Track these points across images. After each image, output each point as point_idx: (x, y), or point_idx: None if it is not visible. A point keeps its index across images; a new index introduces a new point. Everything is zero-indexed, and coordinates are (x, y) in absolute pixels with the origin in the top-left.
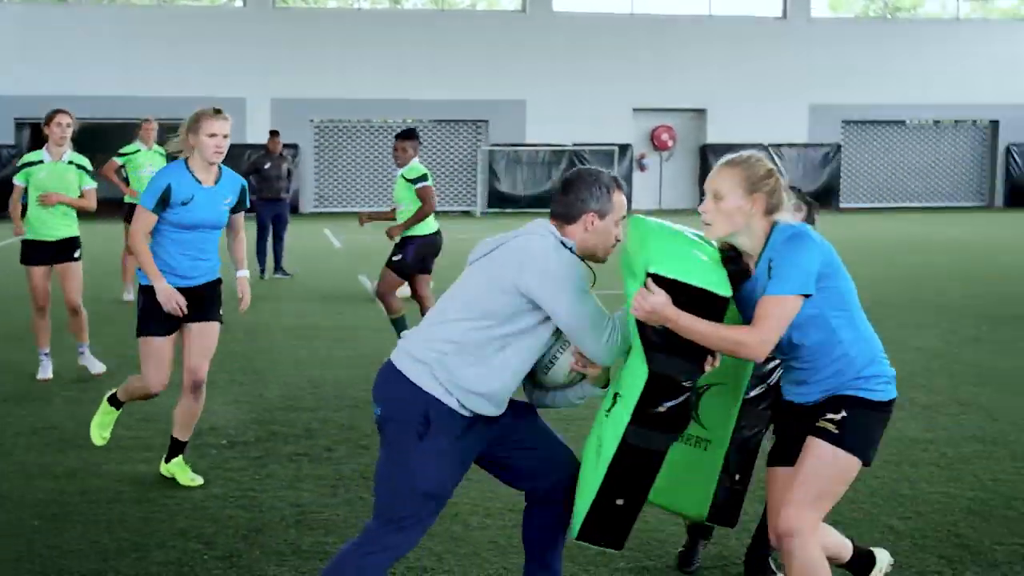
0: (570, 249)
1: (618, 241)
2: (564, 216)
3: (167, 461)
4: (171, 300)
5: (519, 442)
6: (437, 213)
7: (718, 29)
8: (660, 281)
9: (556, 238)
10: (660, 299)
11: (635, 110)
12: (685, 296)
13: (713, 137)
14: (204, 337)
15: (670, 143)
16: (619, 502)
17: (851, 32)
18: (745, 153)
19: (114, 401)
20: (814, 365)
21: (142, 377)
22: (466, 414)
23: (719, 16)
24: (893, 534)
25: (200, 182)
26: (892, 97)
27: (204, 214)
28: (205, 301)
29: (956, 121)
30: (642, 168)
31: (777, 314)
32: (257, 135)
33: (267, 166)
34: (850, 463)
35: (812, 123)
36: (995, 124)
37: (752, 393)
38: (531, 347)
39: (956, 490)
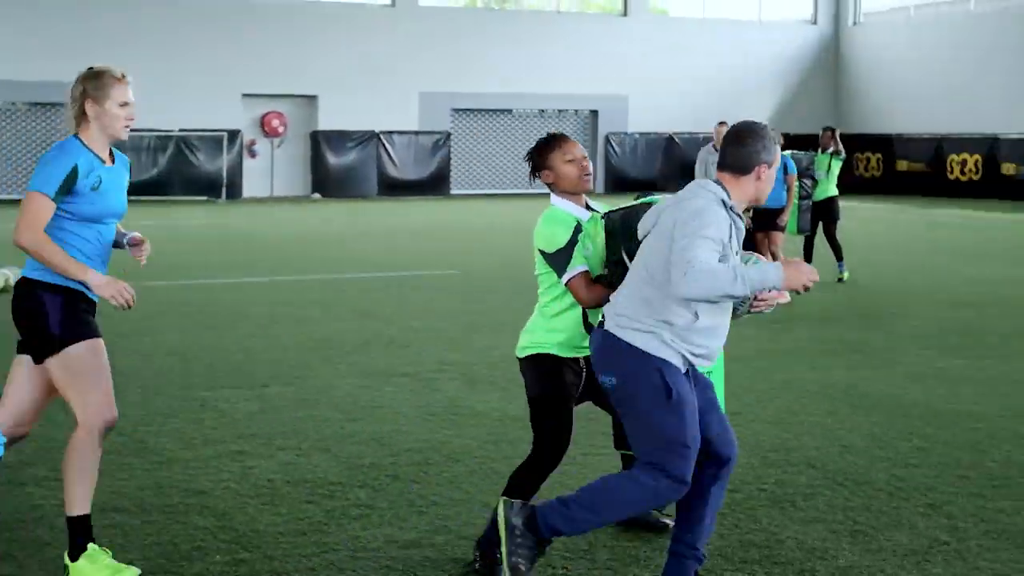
0: (730, 208)
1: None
2: (741, 168)
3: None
4: (122, 292)
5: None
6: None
7: (328, 15)
8: None
9: (715, 196)
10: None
11: (244, 96)
12: None
13: (324, 124)
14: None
15: (281, 129)
16: None
17: (460, 21)
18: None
19: (84, 529)
20: None
21: (91, 412)
22: (686, 369)
23: (328, 2)
24: (487, 510)
25: (103, 161)
26: (500, 86)
27: (113, 201)
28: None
29: (560, 110)
30: (252, 155)
31: None
32: None
33: None
34: None
35: (422, 111)
36: (595, 114)
37: None
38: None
39: None
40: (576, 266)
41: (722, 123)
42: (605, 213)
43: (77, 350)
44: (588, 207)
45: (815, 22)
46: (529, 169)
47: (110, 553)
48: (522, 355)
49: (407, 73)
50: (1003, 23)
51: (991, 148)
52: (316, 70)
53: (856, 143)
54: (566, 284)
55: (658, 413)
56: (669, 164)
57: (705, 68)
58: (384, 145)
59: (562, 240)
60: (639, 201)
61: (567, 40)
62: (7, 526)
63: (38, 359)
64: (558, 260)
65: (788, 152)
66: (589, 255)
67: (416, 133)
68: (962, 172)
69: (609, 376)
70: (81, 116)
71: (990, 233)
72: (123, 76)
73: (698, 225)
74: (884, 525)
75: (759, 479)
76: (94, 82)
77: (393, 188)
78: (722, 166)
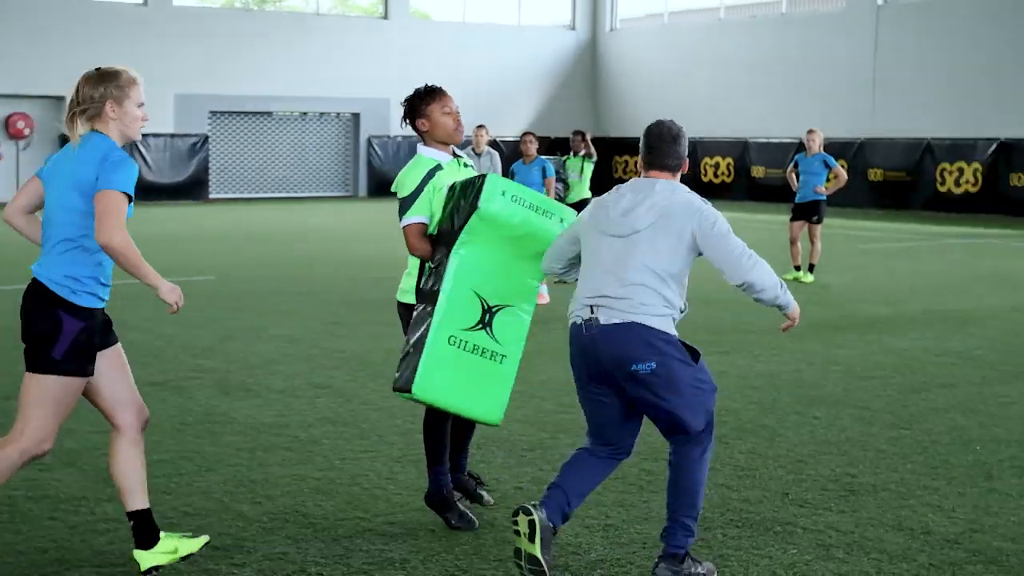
0: None
1: None
2: (677, 166)
3: (148, 546)
4: (180, 298)
5: None
6: None
7: (77, 14)
8: None
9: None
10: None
11: None
12: None
13: None
14: (125, 361)
15: (26, 131)
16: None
17: (216, 21)
18: None
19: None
20: None
21: (36, 438)
22: None
23: (78, 1)
24: (243, 520)
25: None
26: (259, 88)
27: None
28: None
29: (321, 113)
30: None
31: None
32: None
33: None
34: None
35: (178, 113)
36: (357, 116)
37: None
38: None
39: (306, 471)
40: (414, 215)
41: (481, 127)
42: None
43: (66, 382)
44: (455, 155)
45: (574, 28)
46: (403, 115)
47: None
48: (400, 298)
49: (161, 74)
50: (752, 32)
51: (743, 152)
52: (63, 70)
53: (615, 147)
54: (402, 228)
55: (696, 374)
56: None
57: (466, 72)
58: (138, 147)
59: (412, 186)
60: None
61: (328, 42)
62: None
63: (28, 368)
64: (404, 204)
65: (545, 157)
66: (433, 211)
67: (172, 136)
68: (715, 175)
69: (647, 363)
70: (97, 117)
71: (741, 233)
72: (137, 77)
73: (724, 225)
74: (635, 518)
75: (516, 477)
76: (115, 82)
77: (148, 192)
78: (662, 166)
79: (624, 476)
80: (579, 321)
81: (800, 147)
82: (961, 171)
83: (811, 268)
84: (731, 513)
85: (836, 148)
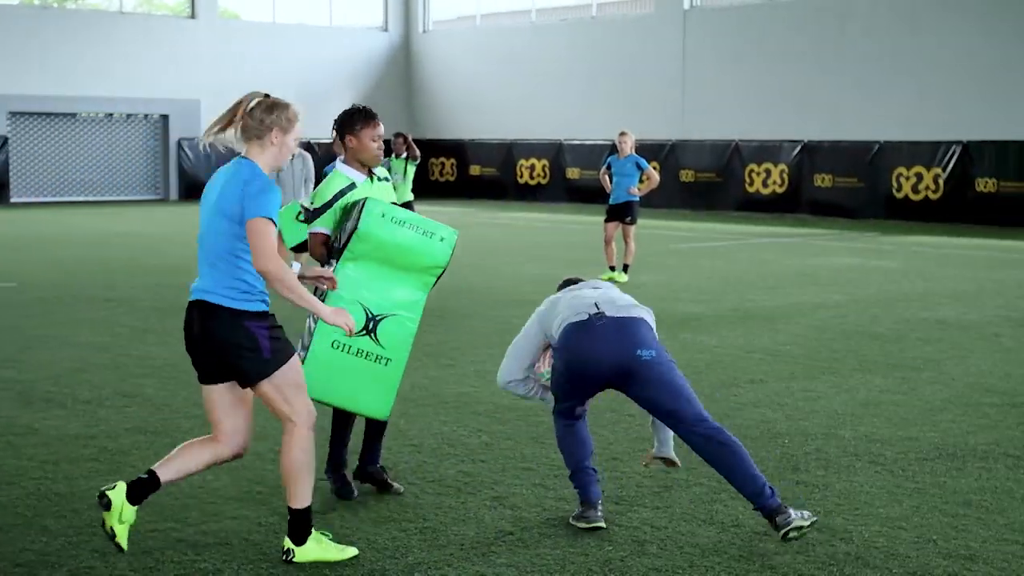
0: None
1: None
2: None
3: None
4: (348, 321)
5: None
6: None
7: None
8: None
9: None
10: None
11: None
12: None
13: None
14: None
15: None
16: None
17: (14, 19)
18: None
19: (308, 517)
20: None
21: (305, 415)
22: None
23: None
24: (47, 534)
25: None
26: (63, 88)
27: None
28: None
29: (128, 114)
30: None
31: None
32: None
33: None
34: None
35: None
36: (166, 118)
37: None
38: None
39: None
40: (319, 227)
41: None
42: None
43: (285, 369)
44: (371, 173)
45: (386, 29)
46: (334, 126)
47: (330, 535)
48: None
49: None
50: (563, 34)
51: (557, 153)
52: None
53: (431, 149)
54: (309, 233)
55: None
56: None
57: (279, 73)
58: None
59: (324, 199)
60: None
61: (133, 42)
62: None
63: (247, 384)
64: (313, 215)
65: None
66: (335, 222)
67: None
68: (531, 176)
69: (650, 350)
70: (257, 140)
71: (554, 234)
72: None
73: None
74: (452, 520)
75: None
76: (285, 114)
77: None
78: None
79: (441, 478)
80: (585, 317)
81: (613, 149)
82: (768, 172)
83: (626, 268)
84: (547, 512)
85: (648, 150)
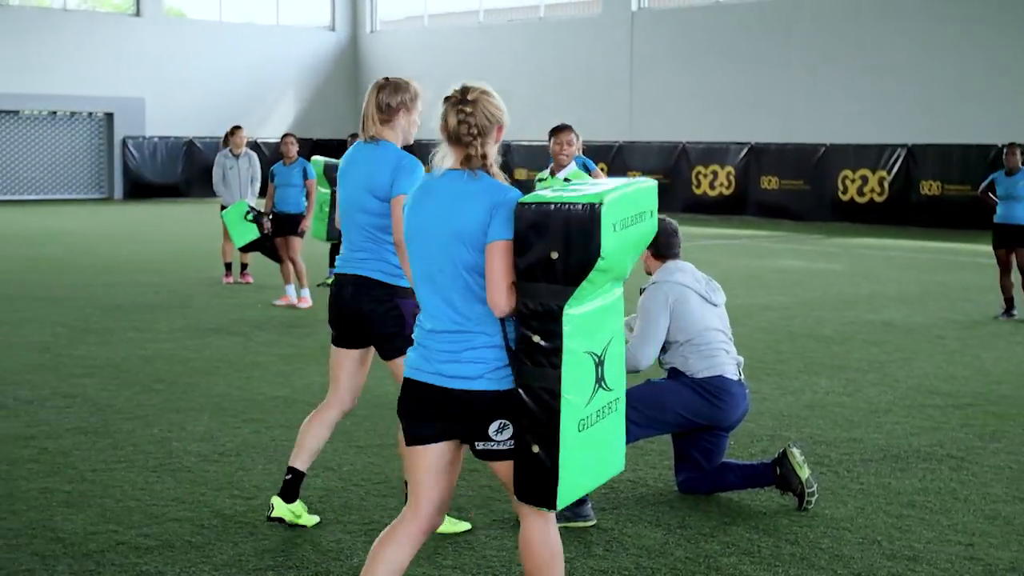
0: None
1: None
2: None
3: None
4: None
5: None
6: None
7: None
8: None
9: None
10: None
11: None
12: None
13: None
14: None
15: None
16: (535, 450)
17: None
18: None
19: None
20: None
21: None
22: None
23: None
24: None
25: None
26: (5, 86)
27: None
28: None
29: (73, 113)
30: None
31: None
32: None
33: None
34: None
35: None
36: (110, 117)
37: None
38: None
39: (54, 484)
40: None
41: (238, 127)
42: None
43: None
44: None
45: (333, 28)
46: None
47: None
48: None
49: None
50: (511, 35)
51: (505, 154)
52: None
53: None
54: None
55: None
56: (191, 169)
57: (225, 72)
58: None
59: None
60: None
61: (77, 39)
62: None
63: (389, 357)
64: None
65: (318, 158)
66: None
67: None
68: None
69: None
70: (388, 123)
71: None
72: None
73: None
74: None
75: (277, 484)
76: (413, 92)
77: None
78: (676, 255)
79: (387, 479)
80: (736, 377)
81: None
82: (715, 174)
83: None
84: (493, 513)
85: (596, 151)
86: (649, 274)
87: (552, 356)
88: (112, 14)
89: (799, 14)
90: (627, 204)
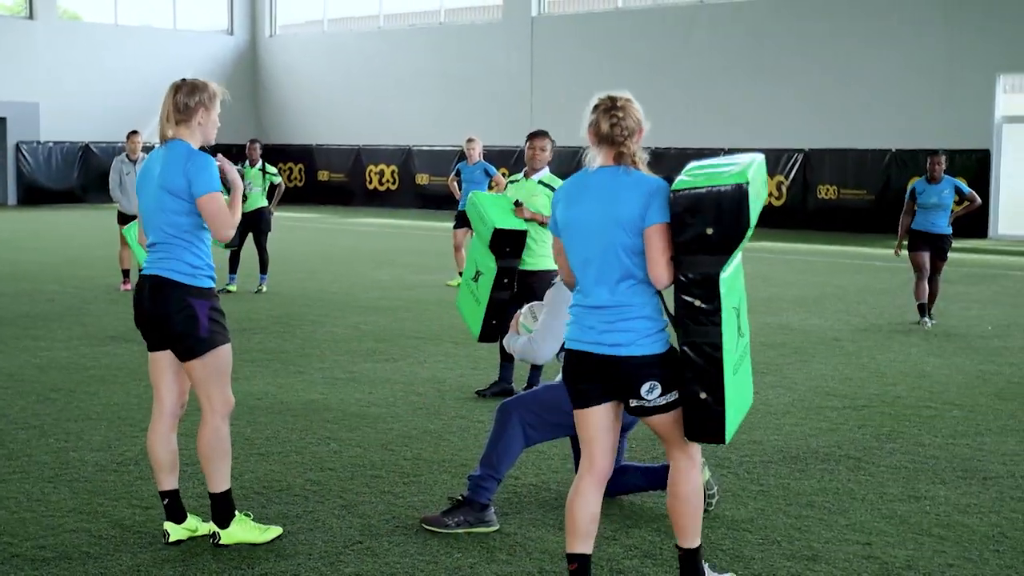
0: None
1: None
2: None
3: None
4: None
5: None
6: None
7: None
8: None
9: None
10: None
11: None
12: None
13: None
14: None
15: None
16: (703, 396)
17: None
18: None
19: (230, 500)
20: None
21: (223, 402)
22: None
23: None
24: None
25: None
26: None
27: None
28: None
29: None
30: None
31: None
32: None
33: None
34: None
35: None
36: (3, 121)
37: None
38: None
39: None
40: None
41: (135, 132)
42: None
43: (218, 352)
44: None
45: (231, 32)
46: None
47: (252, 516)
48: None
49: None
50: (411, 40)
51: (406, 159)
52: None
53: (279, 154)
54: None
55: None
56: (87, 174)
57: (121, 76)
58: None
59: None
60: None
61: None
62: None
63: (185, 359)
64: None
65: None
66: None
67: None
68: (380, 182)
69: None
70: (185, 124)
71: (403, 240)
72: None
73: None
74: (299, 529)
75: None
76: (207, 93)
77: None
78: None
79: (288, 487)
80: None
81: (462, 155)
82: None
83: None
84: (397, 519)
85: (497, 156)
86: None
87: (713, 316)
88: (3, 16)
89: (697, 20)
90: (757, 178)
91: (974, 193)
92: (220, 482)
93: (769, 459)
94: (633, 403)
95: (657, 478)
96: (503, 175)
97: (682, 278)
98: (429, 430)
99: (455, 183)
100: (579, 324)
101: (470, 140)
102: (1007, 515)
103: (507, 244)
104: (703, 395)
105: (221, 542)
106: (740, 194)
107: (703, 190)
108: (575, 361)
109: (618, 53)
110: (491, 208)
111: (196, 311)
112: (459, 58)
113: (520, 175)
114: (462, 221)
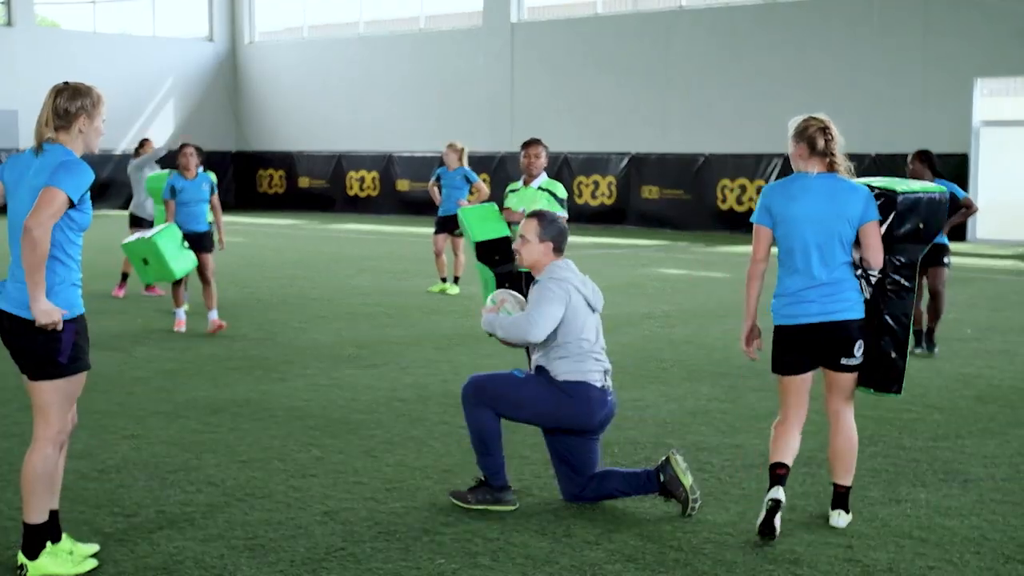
0: None
1: None
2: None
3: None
4: (54, 317)
5: None
6: None
7: None
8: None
9: None
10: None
11: None
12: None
13: None
14: None
15: None
16: (893, 355)
17: None
18: None
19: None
20: None
21: (58, 430)
22: None
23: None
24: None
25: None
26: None
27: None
28: None
29: None
30: None
31: None
32: None
33: None
34: None
35: None
36: None
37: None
38: None
39: None
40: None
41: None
42: None
43: (72, 381)
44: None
45: (212, 39)
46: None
47: (72, 537)
48: None
49: None
50: (392, 47)
51: (387, 165)
52: None
53: (258, 161)
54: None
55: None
56: None
57: (101, 83)
58: None
59: None
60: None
61: None
62: None
63: (34, 378)
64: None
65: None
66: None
67: None
68: (361, 188)
69: None
70: (65, 129)
71: (384, 246)
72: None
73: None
74: (282, 536)
75: (158, 501)
76: (90, 99)
77: None
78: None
79: (271, 494)
80: (600, 384)
81: (443, 161)
82: (597, 184)
83: (456, 280)
84: (379, 526)
85: (477, 162)
86: (535, 265)
87: (910, 292)
88: None
89: (677, 25)
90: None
91: (970, 198)
92: (35, 513)
93: (752, 463)
94: (844, 361)
95: (639, 483)
96: (484, 180)
97: (895, 261)
98: (412, 436)
99: (436, 189)
100: (797, 302)
101: (450, 146)
102: (987, 517)
103: (493, 253)
104: (892, 354)
105: (27, 575)
106: (943, 200)
107: (922, 195)
108: (791, 335)
109: (598, 59)
110: (472, 223)
111: (61, 337)
112: (439, 64)
113: (519, 183)
114: (443, 227)
